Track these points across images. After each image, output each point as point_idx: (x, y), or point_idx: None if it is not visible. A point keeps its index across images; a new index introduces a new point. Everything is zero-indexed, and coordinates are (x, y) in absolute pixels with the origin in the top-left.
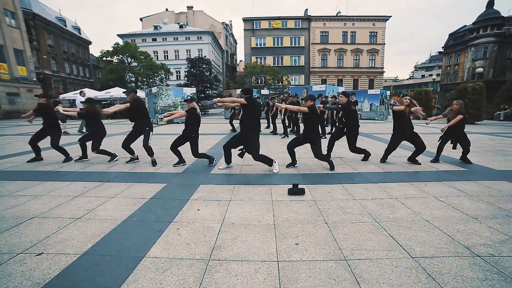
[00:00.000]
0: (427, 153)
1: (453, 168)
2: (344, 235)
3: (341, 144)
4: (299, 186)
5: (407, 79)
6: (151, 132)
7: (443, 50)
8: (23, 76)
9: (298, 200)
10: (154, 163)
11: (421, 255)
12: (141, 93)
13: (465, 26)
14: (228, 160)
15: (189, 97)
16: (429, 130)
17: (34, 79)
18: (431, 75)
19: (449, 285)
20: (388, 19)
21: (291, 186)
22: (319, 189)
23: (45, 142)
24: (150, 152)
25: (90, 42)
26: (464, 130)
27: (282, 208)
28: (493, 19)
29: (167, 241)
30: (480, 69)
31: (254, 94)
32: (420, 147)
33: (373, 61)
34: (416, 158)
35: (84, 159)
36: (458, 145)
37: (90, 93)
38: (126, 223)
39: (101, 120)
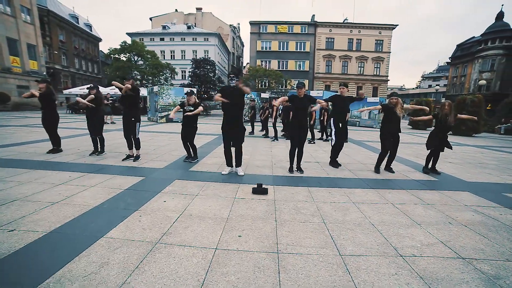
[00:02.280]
0: (406, 161)
1: (425, 178)
2: (287, 232)
3: (326, 149)
4: (264, 187)
5: (413, 88)
6: (138, 124)
7: (450, 61)
8: (33, 70)
9: (259, 199)
10: (136, 158)
11: (350, 253)
12: (143, 91)
13: (474, 37)
14: (229, 163)
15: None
16: (421, 140)
17: (44, 73)
18: (438, 85)
19: (360, 278)
20: (394, 28)
21: (255, 186)
22: (284, 191)
23: (44, 135)
24: (137, 145)
25: (100, 39)
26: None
27: (241, 205)
28: (502, 31)
29: (127, 226)
30: (483, 82)
31: (235, 82)
32: (392, 153)
33: (378, 69)
34: (391, 167)
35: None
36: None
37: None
38: (96, 208)
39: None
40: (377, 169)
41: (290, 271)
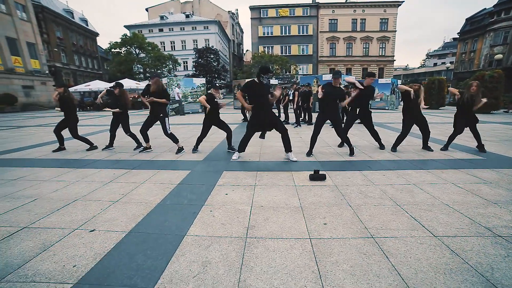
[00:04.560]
0: (438, 141)
1: (469, 157)
2: (368, 216)
3: (354, 133)
4: (321, 173)
5: (418, 68)
6: (167, 119)
7: (458, 36)
8: (36, 69)
9: (320, 185)
10: (180, 150)
11: (444, 234)
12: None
13: (485, 9)
14: (243, 148)
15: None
16: (441, 120)
17: (47, 71)
18: (444, 63)
19: (473, 260)
20: (400, 5)
21: (311, 172)
22: (338, 175)
23: (64, 134)
24: (174, 139)
25: (97, 34)
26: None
27: (306, 192)
28: None
29: (203, 222)
30: (500, 56)
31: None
32: (425, 131)
33: (383, 49)
34: (428, 145)
35: (110, 148)
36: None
37: (101, 84)
38: (161, 206)
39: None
40: (394, 149)
41: (397, 255)
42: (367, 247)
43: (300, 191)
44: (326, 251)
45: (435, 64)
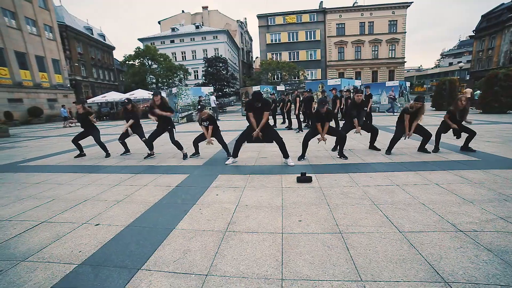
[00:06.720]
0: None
1: (464, 158)
2: (343, 214)
3: (352, 136)
4: (307, 175)
5: (432, 68)
6: (174, 129)
7: (474, 34)
8: (59, 83)
9: (306, 186)
10: (185, 156)
11: (409, 230)
12: (162, 94)
13: (503, 4)
14: (236, 154)
15: (199, 107)
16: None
17: (68, 85)
18: (460, 62)
19: (426, 251)
20: (409, 5)
21: (299, 175)
22: (326, 178)
23: (87, 141)
24: (179, 146)
25: (113, 48)
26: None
27: (291, 193)
28: None
29: (192, 218)
30: None
31: (261, 92)
32: (425, 135)
33: (393, 51)
34: (425, 147)
35: (127, 153)
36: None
37: (116, 95)
38: (157, 205)
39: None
40: (388, 151)
41: (357, 248)
42: (332, 241)
43: (285, 192)
44: (293, 244)
45: (450, 64)
